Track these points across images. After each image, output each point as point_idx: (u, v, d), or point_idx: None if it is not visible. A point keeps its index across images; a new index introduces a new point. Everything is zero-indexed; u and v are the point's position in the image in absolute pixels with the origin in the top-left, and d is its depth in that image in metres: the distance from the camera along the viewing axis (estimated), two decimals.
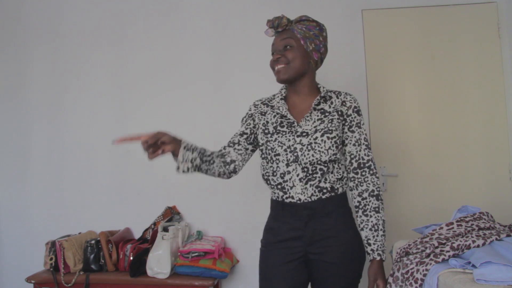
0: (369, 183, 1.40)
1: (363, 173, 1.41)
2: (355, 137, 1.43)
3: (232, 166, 1.47)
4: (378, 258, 1.37)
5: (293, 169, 1.38)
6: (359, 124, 1.44)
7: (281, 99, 1.49)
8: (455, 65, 2.35)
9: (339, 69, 2.36)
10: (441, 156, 2.34)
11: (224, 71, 2.49)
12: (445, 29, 2.36)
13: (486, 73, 2.33)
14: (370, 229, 1.38)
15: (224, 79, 2.49)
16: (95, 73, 2.58)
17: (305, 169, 1.37)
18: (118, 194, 2.52)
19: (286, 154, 1.38)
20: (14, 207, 2.60)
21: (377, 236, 1.37)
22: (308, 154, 1.37)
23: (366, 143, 1.44)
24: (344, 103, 1.44)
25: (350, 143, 1.43)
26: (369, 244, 1.38)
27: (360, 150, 1.42)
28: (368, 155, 1.42)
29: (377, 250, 1.37)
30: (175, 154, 1.32)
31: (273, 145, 1.41)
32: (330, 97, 1.46)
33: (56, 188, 2.56)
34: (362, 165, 1.41)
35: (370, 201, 1.39)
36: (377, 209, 1.39)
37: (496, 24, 2.34)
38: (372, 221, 1.38)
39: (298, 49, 1.42)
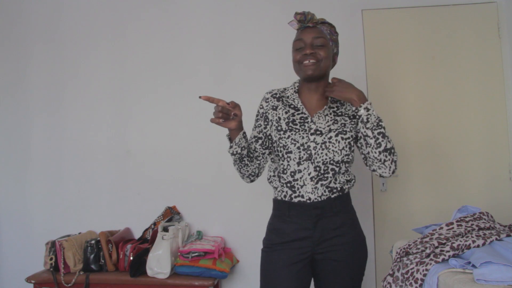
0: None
1: None
2: None
3: (257, 171, 1.49)
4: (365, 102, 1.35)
5: (305, 168, 1.39)
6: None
7: (295, 91, 1.49)
8: (455, 65, 2.35)
9: (339, 69, 2.34)
10: (441, 156, 2.34)
11: (224, 66, 2.49)
12: (445, 29, 2.36)
13: (486, 73, 2.33)
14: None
15: (224, 73, 2.49)
16: (94, 70, 2.57)
17: (317, 168, 1.38)
18: (118, 194, 2.52)
19: (299, 152, 1.39)
20: (14, 207, 2.60)
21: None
22: (322, 153, 1.38)
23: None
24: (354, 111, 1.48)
25: None
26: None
27: None
28: None
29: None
30: (231, 134, 1.34)
31: (286, 142, 1.40)
32: (341, 101, 1.50)
33: (56, 188, 2.56)
34: None
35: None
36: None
37: (496, 24, 2.34)
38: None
39: (328, 50, 1.42)
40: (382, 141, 1.35)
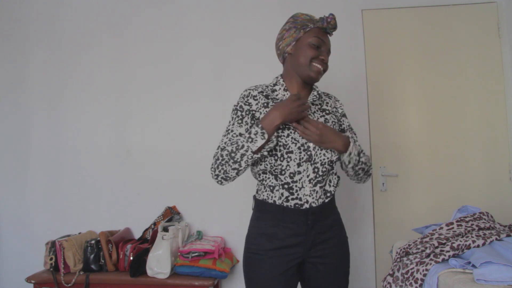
0: None
1: None
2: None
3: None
4: (350, 140, 1.40)
5: (304, 170, 1.33)
6: (350, 126, 1.53)
7: (285, 90, 1.42)
8: (455, 65, 2.35)
9: (339, 69, 2.36)
10: (441, 156, 2.34)
11: (224, 62, 2.48)
12: (445, 29, 2.36)
13: (486, 73, 2.33)
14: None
15: (224, 70, 2.48)
16: (94, 69, 2.57)
17: (316, 170, 1.35)
18: (118, 194, 2.52)
19: (300, 153, 1.33)
20: (14, 207, 2.60)
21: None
22: (320, 153, 1.35)
23: (357, 140, 1.52)
24: (335, 109, 1.51)
25: None
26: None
27: None
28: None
29: (354, 141, 1.44)
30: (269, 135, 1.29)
31: (286, 141, 1.33)
32: (322, 97, 1.50)
33: (56, 188, 2.56)
34: None
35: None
36: (367, 157, 1.46)
37: (496, 24, 2.34)
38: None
39: None
40: (361, 171, 1.44)
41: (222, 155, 1.31)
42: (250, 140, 1.26)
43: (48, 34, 2.61)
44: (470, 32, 2.35)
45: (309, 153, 1.34)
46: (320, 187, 1.37)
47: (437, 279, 1.29)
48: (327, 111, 1.46)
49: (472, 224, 1.56)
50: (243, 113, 1.38)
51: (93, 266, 2.21)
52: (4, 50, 2.64)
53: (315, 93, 1.45)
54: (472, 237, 1.43)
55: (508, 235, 1.45)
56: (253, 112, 1.38)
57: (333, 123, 1.43)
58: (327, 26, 1.39)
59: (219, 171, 1.32)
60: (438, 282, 1.28)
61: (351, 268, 1.49)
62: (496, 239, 1.41)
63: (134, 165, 2.52)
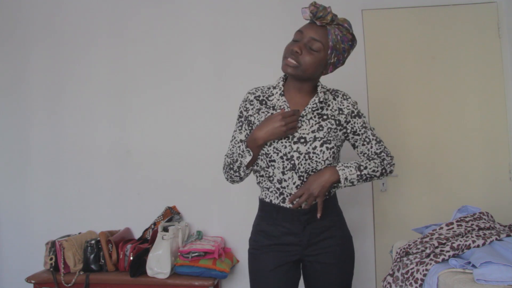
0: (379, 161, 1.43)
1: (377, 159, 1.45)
2: (362, 138, 1.42)
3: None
4: (339, 168, 1.34)
5: (289, 177, 1.35)
6: (364, 125, 1.42)
7: (281, 95, 1.38)
8: (455, 65, 2.35)
9: (339, 69, 2.35)
10: (441, 156, 2.34)
11: (224, 61, 2.48)
12: (445, 29, 2.36)
13: (486, 73, 2.33)
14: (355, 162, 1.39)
15: (224, 69, 2.48)
16: (93, 68, 2.57)
17: (301, 177, 1.35)
18: (118, 194, 2.52)
19: (282, 162, 1.33)
20: (14, 207, 2.60)
21: (353, 164, 1.37)
22: (305, 163, 1.33)
23: (374, 137, 1.43)
24: (341, 111, 1.40)
25: (360, 144, 1.44)
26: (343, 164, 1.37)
27: (371, 147, 1.43)
28: (379, 148, 1.43)
29: (344, 165, 1.35)
30: (257, 149, 1.34)
31: (268, 151, 1.33)
32: (327, 99, 1.41)
33: (56, 188, 2.56)
34: (376, 158, 1.44)
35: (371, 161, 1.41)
36: (374, 161, 1.40)
37: (496, 24, 2.34)
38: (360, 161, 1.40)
39: (320, 58, 1.31)
40: (374, 178, 1.41)
41: (226, 164, 1.43)
42: (240, 156, 1.35)
43: (48, 34, 2.61)
44: (470, 32, 2.35)
45: (292, 162, 1.32)
46: None
47: (437, 279, 1.29)
48: (325, 116, 1.37)
49: (472, 224, 1.56)
50: (242, 119, 1.43)
51: (93, 266, 2.21)
52: (4, 50, 2.64)
53: (316, 100, 1.36)
54: (472, 237, 1.43)
55: (508, 235, 1.45)
56: (249, 117, 1.41)
57: (329, 129, 1.35)
58: (310, 18, 1.30)
59: (228, 176, 1.45)
60: (438, 282, 1.28)
61: None
62: (496, 239, 1.41)
63: (134, 165, 2.52)
